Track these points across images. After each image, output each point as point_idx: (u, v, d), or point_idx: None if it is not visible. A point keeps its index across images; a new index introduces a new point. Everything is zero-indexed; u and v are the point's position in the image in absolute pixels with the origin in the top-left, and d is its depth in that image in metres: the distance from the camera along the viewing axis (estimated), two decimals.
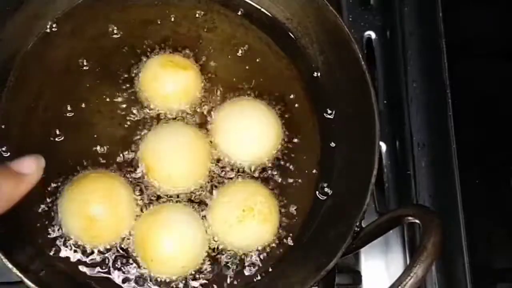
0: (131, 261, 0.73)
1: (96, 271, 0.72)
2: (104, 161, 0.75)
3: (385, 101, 0.95)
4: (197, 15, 0.82)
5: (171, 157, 0.75)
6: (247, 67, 0.81)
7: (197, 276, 0.73)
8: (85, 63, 0.79)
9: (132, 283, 0.73)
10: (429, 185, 0.91)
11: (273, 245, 0.76)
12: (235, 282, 0.74)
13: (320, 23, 0.80)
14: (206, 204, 0.75)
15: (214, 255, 0.74)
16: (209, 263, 0.74)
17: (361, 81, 0.77)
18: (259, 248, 0.75)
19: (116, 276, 0.73)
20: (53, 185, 0.74)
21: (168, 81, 0.78)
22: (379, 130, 0.75)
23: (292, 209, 0.77)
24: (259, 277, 0.74)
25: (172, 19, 0.82)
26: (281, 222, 0.76)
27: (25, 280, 0.67)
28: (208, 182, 0.76)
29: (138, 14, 0.81)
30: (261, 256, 0.75)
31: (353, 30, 0.80)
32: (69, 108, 0.77)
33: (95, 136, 0.76)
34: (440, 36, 0.95)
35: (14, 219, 0.69)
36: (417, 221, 0.67)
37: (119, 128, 0.77)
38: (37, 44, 0.79)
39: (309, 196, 0.78)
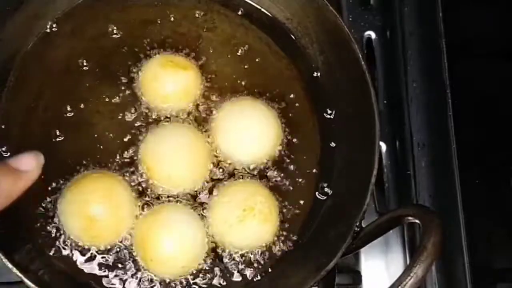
0: (131, 261, 0.73)
1: (96, 271, 0.72)
2: (104, 161, 0.75)
3: (385, 101, 0.95)
4: (197, 15, 0.82)
5: (171, 157, 0.75)
6: (247, 67, 0.81)
7: (197, 276, 0.74)
8: (85, 63, 0.79)
9: (132, 283, 0.73)
10: (429, 185, 0.91)
11: (273, 245, 0.76)
12: (235, 282, 0.74)
13: (320, 23, 0.80)
14: (206, 204, 0.75)
15: (214, 255, 0.74)
16: (209, 263, 0.74)
17: (361, 81, 0.77)
18: (259, 248, 0.75)
19: (116, 276, 0.73)
20: (53, 185, 0.74)
21: (168, 81, 0.78)
22: (379, 130, 0.75)
23: (292, 209, 0.77)
24: (259, 277, 0.74)
25: (172, 19, 0.82)
26: (281, 222, 0.76)
27: (25, 280, 0.68)
28: (208, 182, 0.76)
29: (138, 14, 0.81)
30: (261, 256, 0.75)
31: (353, 30, 0.80)
32: (69, 108, 0.77)
33: (95, 136, 0.76)
34: (440, 36, 0.95)
35: (14, 219, 0.69)
36: (417, 221, 0.67)
37: (119, 128, 0.77)
38: (37, 44, 0.79)
39: (309, 196, 0.78)
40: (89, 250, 0.73)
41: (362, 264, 0.89)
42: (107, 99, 0.78)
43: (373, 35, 0.97)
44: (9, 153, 0.74)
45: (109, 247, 0.73)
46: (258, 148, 0.77)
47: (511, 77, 0.99)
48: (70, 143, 0.76)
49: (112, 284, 0.73)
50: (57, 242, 0.73)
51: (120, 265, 0.73)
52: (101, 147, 0.76)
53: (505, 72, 1.00)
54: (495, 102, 0.98)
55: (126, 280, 0.73)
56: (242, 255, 0.75)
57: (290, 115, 0.80)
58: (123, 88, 0.78)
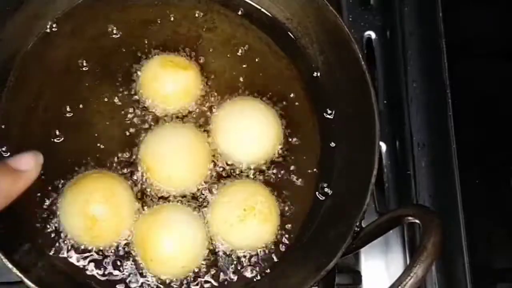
0: (131, 261, 0.73)
1: (96, 271, 0.72)
2: (104, 161, 0.75)
3: (385, 101, 0.95)
4: (197, 15, 0.82)
5: (171, 157, 0.75)
6: (247, 67, 0.81)
7: (197, 276, 0.74)
8: (85, 63, 0.79)
9: (132, 284, 0.73)
10: (429, 185, 0.91)
11: (273, 245, 0.76)
12: (235, 282, 0.74)
13: (320, 23, 0.80)
14: (206, 204, 0.75)
15: (214, 255, 0.74)
16: (209, 263, 0.74)
17: (361, 81, 0.77)
18: (259, 248, 0.75)
19: (116, 276, 0.73)
20: (53, 185, 0.74)
21: (168, 81, 0.78)
22: (379, 130, 0.75)
23: (292, 209, 0.77)
24: (259, 277, 0.74)
25: (172, 19, 0.82)
26: (281, 222, 0.76)
27: (25, 280, 0.68)
28: (208, 182, 0.76)
29: (138, 14, 0.81)
30: (261, 256, 0.75)
31: (353, 30, 0.80)
32: (69, 108, 0.77)
33: (95, 136, 0.76)
34: (440, 36, 0.95)
35: (14, 219, 0.69)
36: (417, 221, 0.67)
37: (119, 128, 0.77)
38: (37, 44, 0.79)
39: (309, 196, 0.78)
40: (89, 250, 0.73)
41: (362, 264, 0.89)
42: (107, 99, 0.78)
43: (373, 35, 0.97)
44: (9, 153, 0.74)
45: (109, 247, 0.73)
46: (258, 148, 0.77)
47: (511, 77, 0.99)
48: (70, 143, 0.76)
49: (112, 284, 0.72)
50: (57, 242, 0.73)
51: (120, 265, 0.73)
52: (101, 147, 0.76)
53: (505, 72, 1.00)
54: (495, 102, 0.98)
55: (126, 280, 0.73)
56: (242, 255, 0.75)
57: (290, 115, 0.80)
58: (123, 88, 0.78)
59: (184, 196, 0.75)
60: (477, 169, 0.95)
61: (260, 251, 0.75)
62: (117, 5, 0.81)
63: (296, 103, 0.81)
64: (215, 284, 0.74)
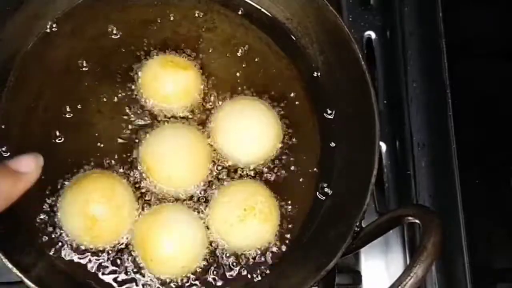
0: (131, 261, 0.73)
1: (96, 271, 0.72)
2: (104, 161, 0.75)
3: (385, 101, 0.95)
4: (197, 15, 0.82)
5: (171, 157, 0.75)
6: (247, 67, 0.81)
7: (197, 276, 0.74)
8: (85, 63, 0.79)
9: (132, 283, 0.73)
10: (429, 185, 0.91)
11: (273, 245, 0.76)
12: (235, 282, 0.74)
13: (320, 23, 0.80)
14: (207, 204, 0.75)
15: (214, 255, 0.74)
16: (209, 263, 0.74)
17: (361, 81, 0.77)
18: (259, 248, 0.75)
19: (116, 276, 0.73)
20: (53, 185, 0.74)
21: (168, 81, 0.78)
22: (379, 130, 0.75)
23: (292, 209, 0.77)
24: (259, 277, 0.74)
25: (172, 19, 0.82)
26: (281, 222, 0.76)
27: (25, 280, 0.68)
28: (208, 182, 0.76)
29: (138, 14, 0.81)
30: (261, 256, 0.75)
31: (353, 30, 0.80)
32: (69, 108, 0.77)
33: (95, 136, 0.76)
34: (440, 36, 0.95)
35: (14, 219, 0.69)
36: (417, 221, 0.67)
37: (119, 128, 0.77)
38: (37, 44, 0.79)
39: (309, 196, 0.78)
40: (89, 250, 0.73)
41: (362, 264, 0.89)
42: (107, 99, 0.78)
43: (373, 35, 0.97)
44: (9, 153, 0.74)
45: (109, 247, 0.73)
46: (258, 148, 0.77)
47: (511, 77, 0.99)
48: (70, 143, 0.76)
49: (112, 284, 0.72)
50: (57, 242, 0.73)
51: (120, 265, 0.73)
52: (101, 147, 0.76)
53: (505, 72, 1.00)
54: (495, 102, 0.98)
55: (126, 280, 0.73)
56: (242, 255, 0.75)
57: (290, 115, 0.80)
58: (123, 88, 0.78)
59: (184, 196, 0.75)
60: (477, 169, 0.95)
61: (260, 251, 0.75)
62: (117, 5, 0.81)
63: (296, 103, 0.81)
64: (215, 284, 0.74)
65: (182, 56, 0.80)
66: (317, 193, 0.78)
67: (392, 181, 0.92)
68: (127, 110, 0.78)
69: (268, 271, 0.75)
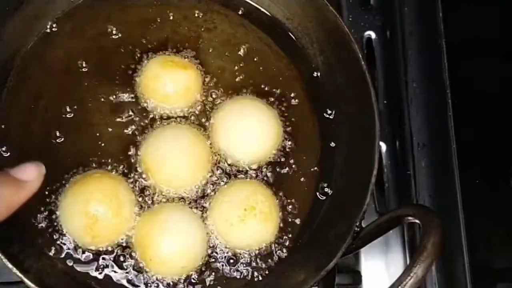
0: (131, 261, 0.73)
1: (96, 271, 0.72)
2: (104, 161, 0.75)
3: (385, 101, 0.95)
4: (197, 15, 0.82)
5: (171, 157, 0.75)
6: (247, 67, 0.81)
7: (197, 276, 0.74)
8: (85, 64, 0.79)
9: (132, 284, 0.73)
10: (429, 185, 0.91)
11: (273, 245, 0.76)
12: (235, 282, 0.74)
13: (320, 23, 0.80)
14: (207, 204, 0.75)
15: (214, 255, 0.74)
16: (209, 263, 0.74)
17: (361, 81, 0.77)
18: (259, 248, 0.75)
19: (116, 276, 0.73)
20: (54, 185, 0.74)
21: (168, 81, 0.77)
22: (379, 130, 0.75)
23: (292, 209, 0.77)
24: (259, 277, 0.74)
25: (172, 19, 0.82)
26: (281, 222, 0.76)
27: (25, 280, 0.68)
28: (209, 182, 0.76)
29: (138, 14, 0.81)
30: (261, 256, 0.75)
31: (353, 30, 0.80)
32: (69, 108, 0.77)
33: (95, 136, 0.76)
34: (440, 36, 0.95)
35: (14, 219, 0.69)
36: (417, 221, 0.67)
37: (119, 128, 0.77)
38: (37, 44, 0.79)
39: (309, 196, 0.78)
40: (89, 250, 0.73)
41: (362, 264, 0.89)
42: (107, 99, 0.78)
43: (373, 35, 0.97)
44: (9, 153, 0.74)
45: (109, 247, 0.73)
46: (258, 147, 0.77)
47: (511, 77, 0.99)
48: (70, 143, 0.76)
49: (112, 284, 0.72)
50: (57, 242, 0.73)
51: (120, 265, 0.73)
52: (101, 147, 0.76)
53: (505, 72, 1.00)
54: (495, 102, 0.98)
55: (126, 280, 0.73)
56: (242, 255, 0.75)
57: (290, 115, 0.80)
58: (123, 88, 0.78)
59: (184, 196, 0.75)
60: (477, 169, 0.95)
61: (260, 251, 0.75)
62: (117, 5, 0.81)
63: (296, 103, 0.81)
64: (215, 284, 0.74)
65: (182, 56, 0.80)
66: (317, 193, 0.78)
67: (392, 181, 0.93)
68: (127, 110, 0.78)
69: (268, 271, 0.75)
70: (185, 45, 0.81)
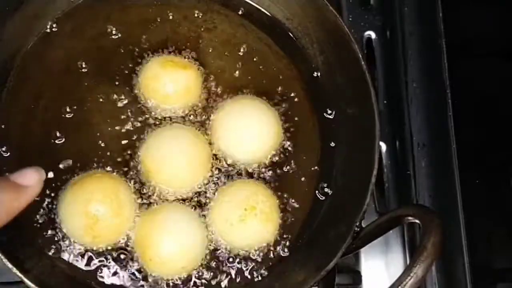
0: (131, 261, 0.73)
1: (96, 271, 0.72)
2: (104, 161, 0.75)
3: (385, 101, 0.95)
4: (196, 15, 0.82)
5: (171, 157, 0.75)
6: (247, 67, 0.81)
7: (197, 276, 0.73)
8: (85, 64, 0.79)
9: (132, 284, 0.73)
10: (429, 185, 0.91)
11: (274, 244, 0.76)
12: (236, 282, 0.74)
13: (320, 23, 0.80)
14: (207, 204, 0.75)
15: (214, 255, 0.74)
16: (209, 263, 0.74)
17: (361, 81, 0.77)
18: (260, 248, 0.75)
19: (116, 277, 0.73)
20: (53, 185, 0.74)
21: (168, 81, 0.77)
22: (379, 130, 0.75)
23: (292, 209, 0.77)
24: (259, 277, 0.74)
25: (172, 19, 0.82)
26: (281, 222, 0.76)
27: (25, 280, 0.67)
28: (209, 182, 0.76)
29: (138, 14, 0.81)
30: (261, 256, 0.75)
31: (353, 30, 0.80)
32: (69, 108, 0.77)
33: (95, 136, 0.76)
34: (440, 36, 0.95)
35: (14, 219, 0.69)
36: (417, 221, 0.67)
37: (119, 128, 0.77)
38: (37, 44, 0.79)
39: (309, 196, 0.78)
40: (89, 250, 0.73)
41: (362, 264, 0.89)
42: (107, 99, 0.78)
43: (373, 35, 0.97)
44: (9, 153, 0.74)
45: (109, 247, 0.73)
46: (258, 147, 0.77)
47: (511, 77, 0.99)
48: (70, 143, 0.76)
49: (112, 284, 0.72)
50: (57, 242, 0.73)
51: (120, 265, 0.73)
52: (101, 147, 0.76)
53: (505, 72, 1.00)
54: (495, 102, 0.98)
55: (126, 280, 0.73)
56: (242, 255, 0.75)
57: (290, 115, 0.80)
58: (123, 88, 0.78)
59: (184, 196, 0.75)
60: (477, 169, 0.95)
61: (261, 251, 0.75)
62: (117, 5, 0.81)
63: (296, 103, 0.81)
64: (215, 284, 0.74)
65: (182, 56, 0.80)
66: (317, 193, 0.78)
67: (392, 181, 0.93)
68: (127, 110, 0.78)
69: (268, 271, 0.75)
70: (185, 45, 0.81)
